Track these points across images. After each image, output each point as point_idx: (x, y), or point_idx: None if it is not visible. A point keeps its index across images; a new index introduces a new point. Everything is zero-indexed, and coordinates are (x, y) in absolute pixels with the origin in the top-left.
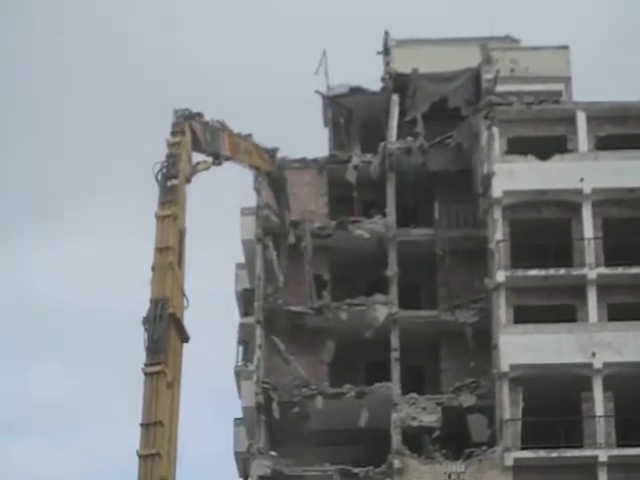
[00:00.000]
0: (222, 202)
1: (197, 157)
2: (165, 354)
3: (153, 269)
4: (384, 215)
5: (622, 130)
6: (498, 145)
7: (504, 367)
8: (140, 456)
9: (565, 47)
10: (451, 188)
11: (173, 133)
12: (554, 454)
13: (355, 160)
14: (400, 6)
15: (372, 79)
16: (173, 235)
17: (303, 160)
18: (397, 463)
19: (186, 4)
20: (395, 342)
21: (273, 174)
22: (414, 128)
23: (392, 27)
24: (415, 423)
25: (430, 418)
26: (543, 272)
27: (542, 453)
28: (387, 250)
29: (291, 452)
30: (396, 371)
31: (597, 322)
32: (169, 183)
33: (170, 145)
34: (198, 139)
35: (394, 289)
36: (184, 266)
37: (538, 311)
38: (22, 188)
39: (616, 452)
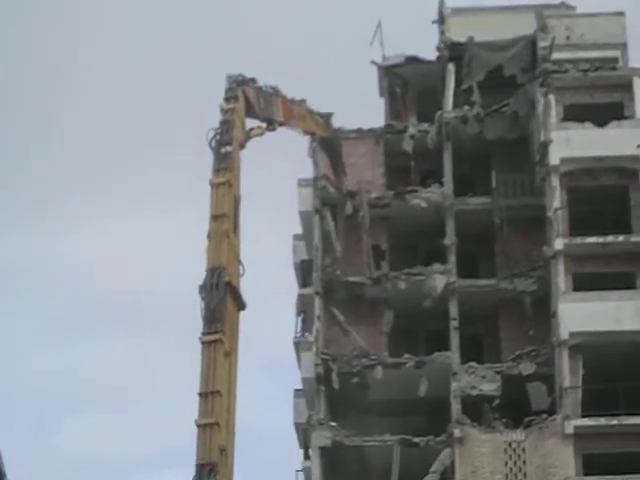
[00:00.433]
0: (277, 171)
1: (251, 123)
2: (222, 323)
3: (208, 237)
4: (441, 184)
5: None
6: (555, 113)
7: (563, 335)
8: (199, 425)
9: (621, 13)
10: (508, 156)
11: (227, 99)
12: (614, 422)
13: (411, 130)
14: None
15: (427, 48)
16: (228, 202)
17: (359, 130)
18: (457, 432)
19: None
20: (454, 311)
21: (328, 139)
22: (470, 97)
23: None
24: (475, 392)
25: (490, 387)
26: (601, 239)
27: (602, 421)
28: (445, 219)
29: (351, 423)
30: (455, 340)
31: None
32: (223, 150)
33: (224, 111)
34: (252, 105)
35: (452, 258)
36: (239, 233)
37: (597, 278)
38: (67, 165)
39: None
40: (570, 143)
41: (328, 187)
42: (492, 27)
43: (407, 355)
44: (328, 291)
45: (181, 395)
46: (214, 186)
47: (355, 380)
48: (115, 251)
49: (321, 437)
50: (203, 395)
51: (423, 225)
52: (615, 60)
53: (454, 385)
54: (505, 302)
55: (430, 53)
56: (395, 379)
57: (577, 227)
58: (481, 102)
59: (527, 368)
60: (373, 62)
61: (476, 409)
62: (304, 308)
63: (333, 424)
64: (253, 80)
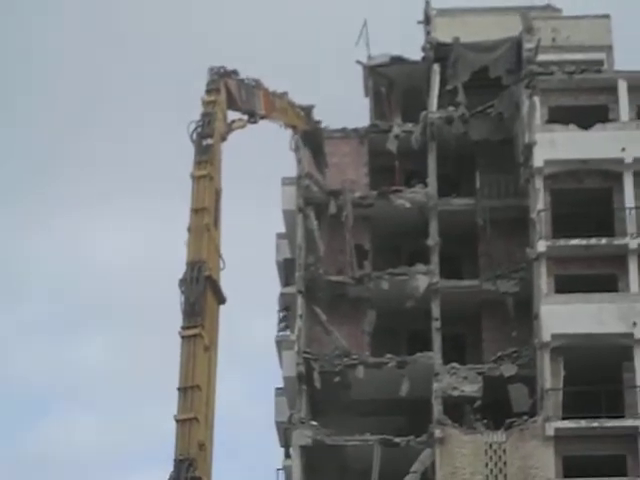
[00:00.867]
0: (260, 166)
1: (232, 115)
2: (202, 317)
3: (189, 230)
4: (425, 185)
5: None
6: (539, 114)
7: (545, 337)
8: (177, 421)
9: (606, 16)
10: (492, 158)
11: (208, 91)
12: (595, 424)
13: (396, 130)
14: None
15: (413, 49)
16: (209, 196)
17: (344, 130)
18: (438, 433)
19: None
20: (436, 312)
21: (309, 132)
22: (455, 97)
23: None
24: (456, 393)
25: (471, 388)
26: (584, 242)
27: (583, 423)
28: (428, 220)
29: (332, 422)
30: (437, 341)
31: (638, 292)
32: (204, 142)
33: (205, 104)
34: (233, 97)
35: (435, 259)
36: (220, 227)
37: (579, 281)
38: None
39: None
40: (554, 145)
41: (312, 186)
42: (478, 28)
43: (389, 355)
44: (311, 290)
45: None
46: (195, 179)
47: (337, 379)
48: (121, 251)
49: (302, 436)
50: (182, 390)
51: (406, 225)
52: (600, 63)
53: (436, 386)
54: (487, 303)
55: (415, 53)
56: (377, 379)
57: (560, 229)
58: (466, 103)
59: (509, 370)
60: (358, 62)
61: (457, 410)
62: (286, 307)
63: (314, 423)
64: (235, 72)
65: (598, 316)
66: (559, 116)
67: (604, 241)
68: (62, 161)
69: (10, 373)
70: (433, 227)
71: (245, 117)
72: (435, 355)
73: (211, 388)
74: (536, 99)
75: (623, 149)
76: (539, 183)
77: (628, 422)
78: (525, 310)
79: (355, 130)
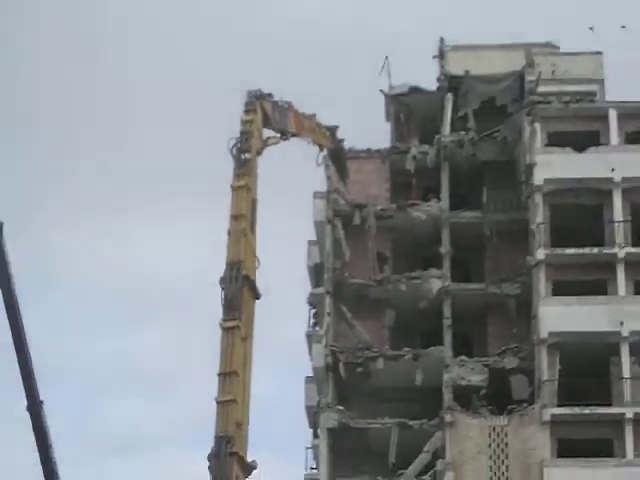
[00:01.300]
0: (293, 180)
1: (267, 133)
2: (239, 311)
3: (228, 234)
4: (439, 199)
5: None
6: (539, 139)
7: (543, 334)
8: (218, 402)
9: (599, 53)
10: (498, 176)
11: (246, 111)
12: (586, 411)
13: (414, 151)
14: (453, 16)
15: (429, 80)
16: (246, 204)
17: (368, 151)
18: (448, 417)
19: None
20: (447, 311)
21: (334, 150)
22: (466, 123)
23: (446, 34)
24: (464, 382)
25: (477, 378)
26: (579, 251)
27: (576, 410)
28: (441, 230)
29: (355, 407)
30: (448, 336)
31: (625, 295)
32: (243, 157)
33: (243, 122)
34: (268, 117)
35: (447, 264)
36: (255, 232)
37: (574, 285)
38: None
39: None
40: (552, 166)
41: (339, 200)
42: (486, 62)
43: (406, 348)
44: (337, 291)
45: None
46: (234, 189)
47: (359, 370)
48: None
49: (329, 419)
50: (222, 375)
51: (422, 235)
52: (594, 94)
53: (446, 376)
54: (492, 304)
55: (431, 84)
56: (394, 369)
57: (557, 239)
58: (475, 128)
59: (510, 362)
60: (381, 91)
61: (465, 397)
62: (316, 305)
63: (340, 408)
64: (270, 95)
65: (590, 316)
66: (557, 140)
67: (596, 250)
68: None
69: (77, 366)
70: (445, 237)
71: (278, 135)
72: (446, 349)
73: (247, 374)
74: (537, 125)
75: (612, 170)
76: (539, 199)
77: (615, 409)
78: (525, 310)
79: (378, 151)
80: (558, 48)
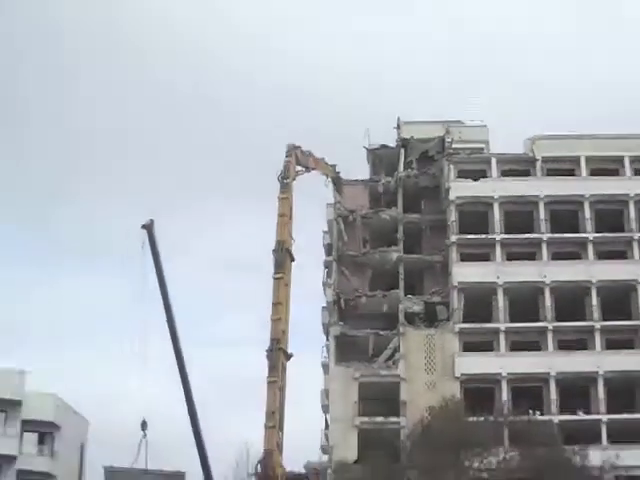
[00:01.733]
0: (315, 196)
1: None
2: (283, 268)
3: (277, 224)
4: (397, 208)
5: (518, 167)
6: (452, 174)
7: (454, 283)
8: (272, 320)
9: (485, 125)
10: (430, 195)
11: (287, 155)
12: (477, 325)
13: (382, 180)
14: (402, 103)
15: (391, 140)
16: (287, 207)
17: (357, 180)
18: (401, 329)
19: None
20: (401, 270)
21: (334, 178)
22: (411, 165)
23: (401, 114)
24: (410, 310)
25: (418, 307)
26: (479, 236)
27: (472, 325)
28: (398, 225)
29: (350, 323)
30: (401, 284)
31: (500, 262)
32: (285, 181)
33: (285, 161)
34: (298, 159)
35: (401, 244)
36: (292, 222)
37: (473, 255)
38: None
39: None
40: (460, 189)
41: (340, 207)
42: (423, 131)
43: (378, 291)
44: (340, 259)
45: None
46: (280, 199)
47: (352, 303)
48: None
49: (335, 330)
50: (273, 304)
51: (387, 228)
52: (482, 149)
53: (400, 306)
54: (427, 266)
55: (392, 143)
56: (371, 303)
57: (465, 231)
58: (416, 168)
59: (436, 299)
60: (364, 147)
61: (411, 318)
62: (328, 267)
63: (341, 323)
64: (299, 147)
65: (480, 274)
66: (462, 175)
67: (484, 236)
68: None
69: None
70: (400, 229)
71: (304, 169)
72: (400, 292)
73: (287, 306)
74: (451, 166)
75: (494, 190)
76: (452, 207)
77: (493, 325)
78: (445, 270)
79: (362, 180)
80: (463, 122)
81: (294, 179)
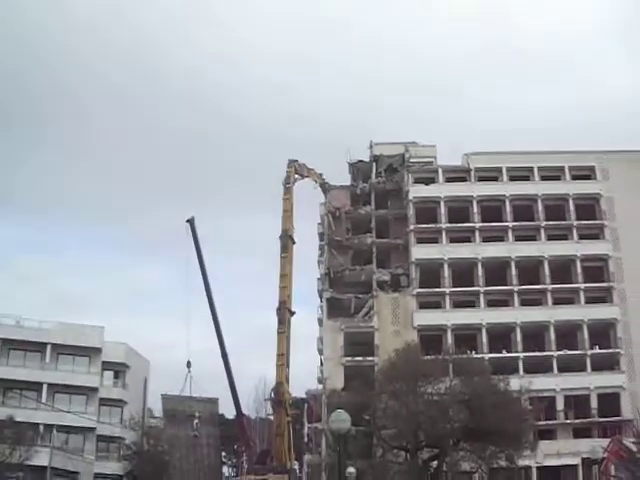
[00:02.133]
0: (312, 198)
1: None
2: (287, 250)
3: (282, 217)
4: (370, 205)
5: (457, 175)
6: (411, 180)
7: (412, 259)
8: (280, 287)
9: (434, 145)
10: (394, 195)
11: (288, 166)
12: (429, 290)
13: (360, 185)
14: (376, 130)
15: (366, 156)
16: (289, 204)
17: (341, 185)
18: (375, 293)
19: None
20: (374, 250)
21: (322, 184)
22: (381, 174)
23: (373, 137)
24: (381, 279)
25: (386, 277)
26: (433, 226)
27: (426, 290)
28: (371, 218)
29: (337, 289)
30: (374, 261)
31: (445, 244)
32: (287, 185)
33: (287, 172)
34: (297, 169)
35: (374, 232)
36: (293, 214)
37: (428, 239)
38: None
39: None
40: (416, 192)
41: (330, 206)
42: (390, 149)
43: (357, 266)
44: (329, 243)
45: None
46: (283, 200)
47: (338, 275)
48: None
49: (327, 294)
50: (281, 276)
51: (363, 220)
52: (432, 162)
53: (373, 277)
54: (393, 247)
55: (366, 158)
56: (353, 275)
57: (420, 221)
58: (384, 176)
59: (400, 270)
60: (346, 161)
61: (382, 285)
62: (321, 249)
63: (331, 290)
64: (297, 160)
65: (433, 252)
66: (418, 181)
67: (434, 225)
68: None
69: None
70: (373, 221)
71: (300, 176)
72: (373, 266)
73: (290, 276)
74: (410, 175)
75: (440, 192)
76: (410, 204)
77: (441, 289)
78: (406, 250)
79: (346, 186)
80: (418, 144)
81: (293, 184)
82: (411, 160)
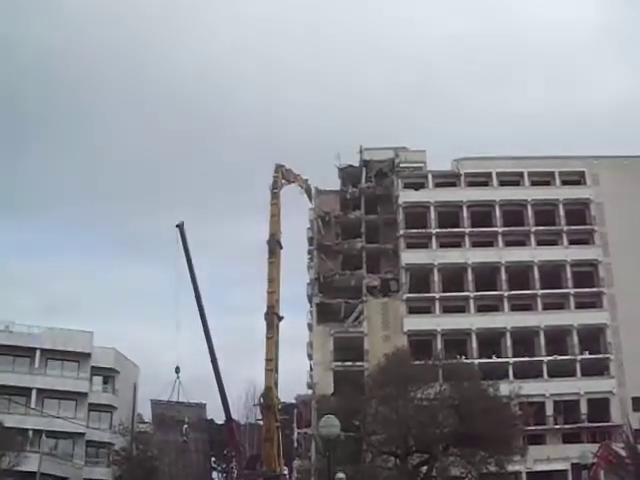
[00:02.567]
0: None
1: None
2: (275, 254)
3: (270, 222)
4: (360, 210)
5: (447, 180)
6: (400, 185)
7: (402, 264)
8: (268, 292)
9: (423, 150)
10: (384, 199)
11: (275, 172)
12: (418, 296)
13: (350, 190)
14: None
15: (356, 161)
16: (276, 209)
17: (331, 190)
18: (364, 298)
19: None
20: (364, 255)
21: (307, 189)
22: (371, 179)
23: (363, 142)
24: (371, 284)
25: (376, 282)
26: (424, 230)
27: (417, 295)
28: (361, 223)
29: (327, 295)
30: (364, 266)
31: (435, 249)
32: (274, 190)
33: (274, 177)
34: (284, 174)
35: (364, 236)
36: (280, 219)
37: (418, 244)
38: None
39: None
40: (406, 196)
41: (319, 211)
42: (380, 154)
43: (347, 271)
44: (319, 247)
45: None
46: (271, 205)
47: (328, 279)
48: None
49: (316, 298)
50: (269, 281)
51: (353, 224)
52: (421, 167)
53: (363, 282)
54: (383, 252)
55: (356, 163)
56: (343, 280)
57: (409, 226)
58: (374, 181)
59: (390, 275)
60: (336, 166)
61: (371, 290)
62: (311, 254)
63: (320, 294)
64: (284, 165)
65: (423, 257)
66: (407, 186)
67: (423, 230)
68: None
69: None
70: (363, 226)
71: (286, 181)
72: (363, 271)
73: (278, 281)
74: (399, 180)
75: (430, 197)
76: (400, 209)
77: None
78: (396, 255)
79: (335, 190)
80: (407, 149)
81: (281, 188)
82: (401, 165)
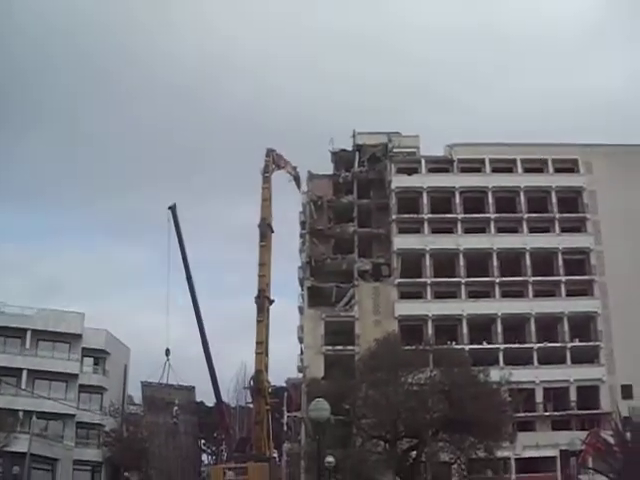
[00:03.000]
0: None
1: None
2: (266, 238)
3: (261, 206)
4: (352, 194)
5: (440, 165)
6: (393, 170)
7: (394, 249)
8: (259, 275)
9: (417, 135)
10: (377, 184)
11: (267, 156)
12: (409, 280)
13: (342, 175)
14: (359, 121)
15: (349, 145)
16: (268, 193)
17: (324, 175)
18: (356, 282)
19: None
20: (356, 239)
21: (296, 175)
22: (364, 163)
23: (357, 127)
24: (363, 268)
25: (368, 267)
26: (415, 216)
27: (407, 280)
28: (354, 207)
29: (318, 279)
30: (356, 250)
31: (427, 234)
32: (265, 175)
33: (265, 161)
34: (274, 159)
35: (356, 221)
36: (271, 203)
37: (410, 229)
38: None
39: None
40: (400, 181)
41: (311, 195)
42: (373, 139)
43: (339, 255)
44: (311, 232)
45: None
46: (263, 188)
47: (319, 263)
48: None
49: (308, 282)
50: (259, 264)
51: (346, 209)
52: (414, 153)
53: (355, 266)
54: (375, 236)
55: (349, 147)
56: (334, 264)
57: (402, 211)
58: (367, 165)
59: (381, 260)
60: (329, 150)
61: (363, 275)
62: (302, 237)
63: (312, 278)
64: (275, 150)
65: (415, 242)
66: (400, 171)
67: (416, 215)
68: None
69: None
70: (355, 210)
71: (276, 166)
72: (355, 255)
73: (269, 264)
74: (392, 164)
75: (423, 182)
76: (393, 194)
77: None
78: (388, 240)
79: (328, 175)
80: (401, 134)
81: (272, 173)
82: (394, 150)
